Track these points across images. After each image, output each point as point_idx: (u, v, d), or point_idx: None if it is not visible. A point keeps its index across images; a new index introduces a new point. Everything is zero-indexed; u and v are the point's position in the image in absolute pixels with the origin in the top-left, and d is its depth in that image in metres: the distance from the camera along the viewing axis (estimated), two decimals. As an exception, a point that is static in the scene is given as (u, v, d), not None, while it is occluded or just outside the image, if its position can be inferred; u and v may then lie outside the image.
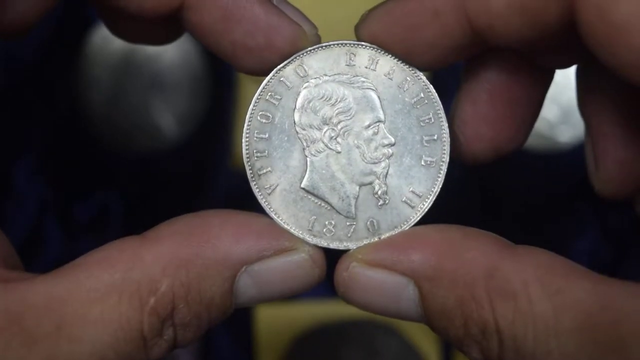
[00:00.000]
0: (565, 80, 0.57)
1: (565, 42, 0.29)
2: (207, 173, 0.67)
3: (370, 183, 0.31)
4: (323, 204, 0.31)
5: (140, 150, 0.66)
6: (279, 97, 0.31)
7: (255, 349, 0.65)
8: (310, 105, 0.31)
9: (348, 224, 0.31)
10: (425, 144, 0.31)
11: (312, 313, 0.65)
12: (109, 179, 0.68)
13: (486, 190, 0.69)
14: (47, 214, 0.66)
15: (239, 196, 0.65)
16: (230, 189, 0.67)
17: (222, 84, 0.67)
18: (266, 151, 0.31)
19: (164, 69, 0.67)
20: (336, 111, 0.31)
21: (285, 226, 0.31)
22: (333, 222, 0.31)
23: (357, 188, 0.31)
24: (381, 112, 0.31)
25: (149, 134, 0.66)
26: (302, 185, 0.31)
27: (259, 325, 0.64)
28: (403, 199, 0.31)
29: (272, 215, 0.31)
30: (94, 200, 0.67)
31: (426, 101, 0.32)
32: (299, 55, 0.31)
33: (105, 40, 0.66)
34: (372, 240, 0.31)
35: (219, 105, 0.67)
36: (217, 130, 0.67)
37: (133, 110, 0.66)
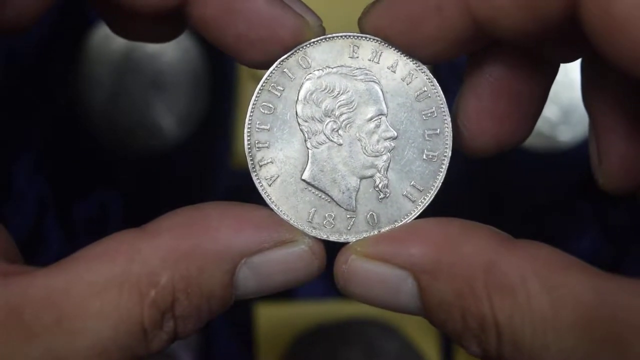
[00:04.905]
0: (565, 79, 0.57)
1: (568, 36, 0.29)
2: (208, 172, 0.67)
3: (371, 176, 0.31)
4: (323, 196, 0.31)
5: (140, 149, 0.66)
6: (281, 89, 0.31)
7: (255, 348, 0.64)
8: (313, 97, 0.31)
9: (348, 216, 0.31)
10: (428, 138, 0.31)
11: (312, 313, 0.65)
12: (109, 178, 0.68)
13: (486, 191, 0.69)
14: (46, 213, 0.66)
15: (240, 196, 0.65)
16: (230, 189, 0.67)
17: (223, 83, 0.67)
18: (267, 142, 0.31)
19: (164, 68, 0.67)
20: (338, 103, 0.31)
21: (285, 218, 0.31)
22: (333, 215, 0.31)
23: (358, 181, 0.31)
24: (384, 105, 0.31)
25: (149, 133, 0.66)
26: (303, 177, 0.31)
27: (259, 324, 0.64)
28: (404, 193, 0.31)
29: (272, 206, 0.31)
30: (93, 199, 0.67)
31: (429, 95, 0.31)
32: (302, 47, 0.31)
33: (105, 39, 0.66)
34: (372, 233, 0.31)
35: (219, 104, 0.67)
36: (217, 130, 0.67)
37: (133, 109, 0.66)
